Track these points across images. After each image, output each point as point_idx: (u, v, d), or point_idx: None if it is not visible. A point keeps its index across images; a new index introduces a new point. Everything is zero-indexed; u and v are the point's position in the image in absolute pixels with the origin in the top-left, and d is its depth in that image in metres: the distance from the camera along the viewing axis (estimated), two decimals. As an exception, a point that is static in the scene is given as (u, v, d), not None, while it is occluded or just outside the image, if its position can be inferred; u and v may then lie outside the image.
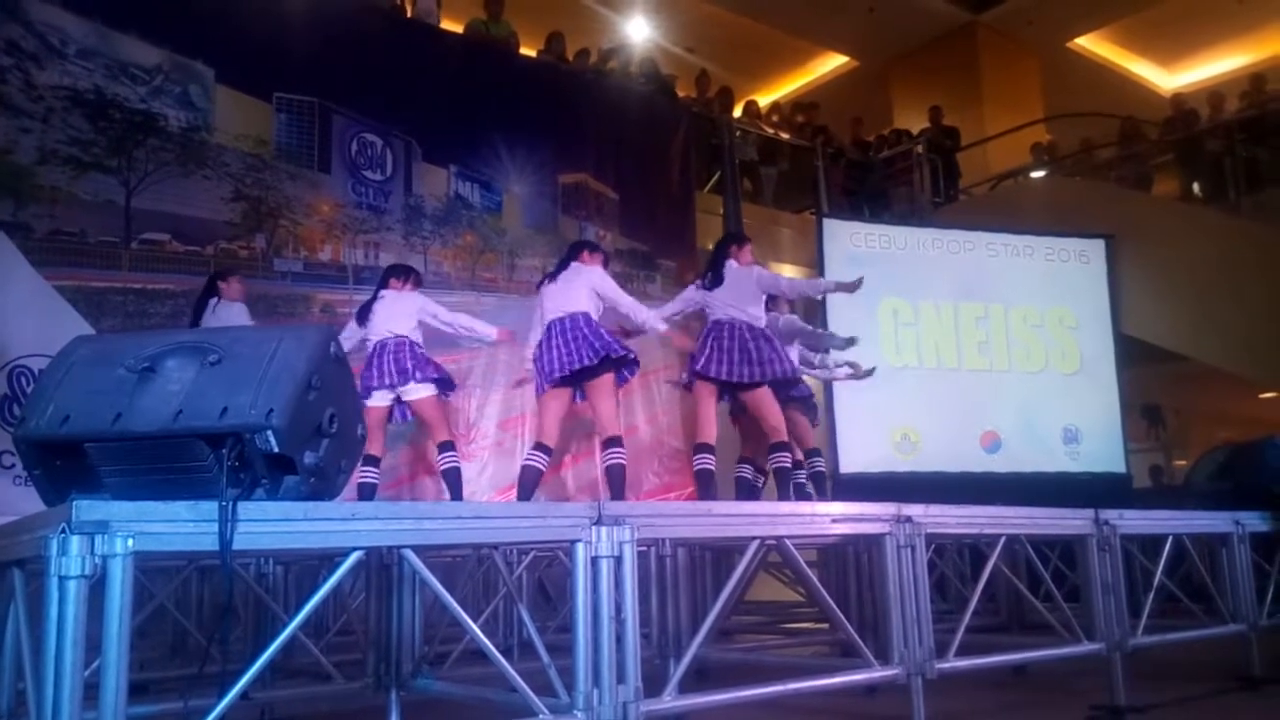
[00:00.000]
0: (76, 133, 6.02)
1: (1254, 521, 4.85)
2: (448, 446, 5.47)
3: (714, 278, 5.21)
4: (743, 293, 5.13)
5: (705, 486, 5.00)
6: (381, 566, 3.36)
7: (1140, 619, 4.22)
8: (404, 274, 5.72)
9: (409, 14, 8.29)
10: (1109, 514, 4.12)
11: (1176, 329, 9.34)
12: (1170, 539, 4.55)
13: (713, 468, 4.99)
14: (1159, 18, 12.89)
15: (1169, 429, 13.57)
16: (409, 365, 5.32)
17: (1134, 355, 9.46)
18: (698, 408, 5.14)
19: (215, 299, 5.53)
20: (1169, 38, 13.47)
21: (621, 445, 5.08)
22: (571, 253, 5.44)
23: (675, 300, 5.57)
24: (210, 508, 2.01)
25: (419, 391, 5.36)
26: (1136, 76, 14.41)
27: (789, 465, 5.18)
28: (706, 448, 5.03)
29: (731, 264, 5.24)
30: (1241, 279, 8.69)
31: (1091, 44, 13.77)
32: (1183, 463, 12.55)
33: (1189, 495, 7.44)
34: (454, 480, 5.44)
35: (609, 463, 5.03)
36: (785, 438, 5.14)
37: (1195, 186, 10.35)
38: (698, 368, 5.03)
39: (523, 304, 7.07)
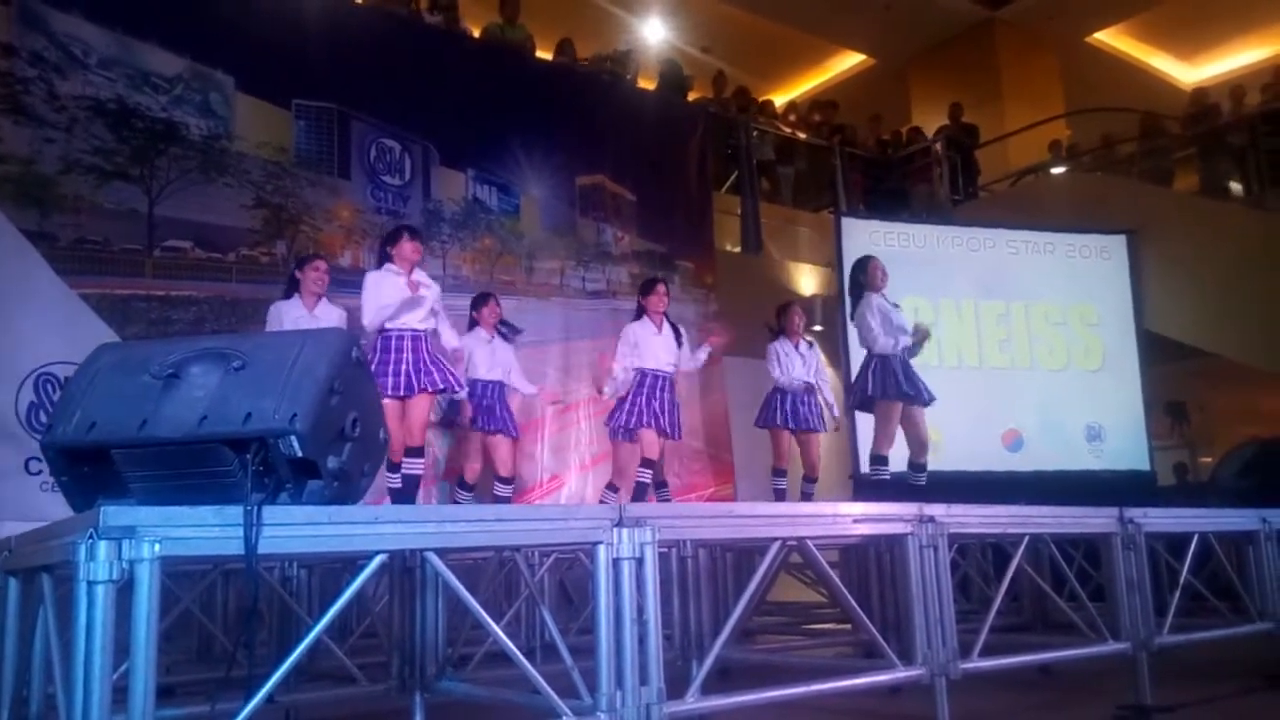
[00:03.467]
0: (99, 142, 6.08)
1: (1281, 518, 4.80)
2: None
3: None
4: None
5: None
6: (404, 569, 3.38)
7: (1166, 618, 4.18)
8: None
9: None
10: (1133, 512, 4.09)
11: (1200, 324, 9.25)
12: (1196, 537, 4.50)
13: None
14: (1178, 11, 12.78)
15: (1193, 426, 13.41)
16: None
17: (1157, 351, 9.39)
18: (889, 425, 5.64)
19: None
20: (1189, 31, 13.35)
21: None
22: (653, 290, 6.26)
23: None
24: (235, 512, 2.02)
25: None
26: (1156, 70, 14.29)
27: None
28: (883, 460, 5.70)
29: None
30: (1265, 273, 8.60)
31: (1111, 38, 13.67)
32: (1208, 460, 12.42)
33: (1214, 492, 7.40)
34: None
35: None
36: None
37: (1219, 181, 10.25)
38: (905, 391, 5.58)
39: (541, 307, 7.10)
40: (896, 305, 5.89)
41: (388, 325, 5.24)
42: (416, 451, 5.34)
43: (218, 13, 6.71)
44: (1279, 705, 4.26)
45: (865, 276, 5.85)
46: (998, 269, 9.14)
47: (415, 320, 5.30)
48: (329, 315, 5.59)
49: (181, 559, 2.14)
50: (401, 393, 5.18)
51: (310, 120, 7.01)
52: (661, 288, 6.31)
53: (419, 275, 5.36)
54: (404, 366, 5.21)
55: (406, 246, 5.37)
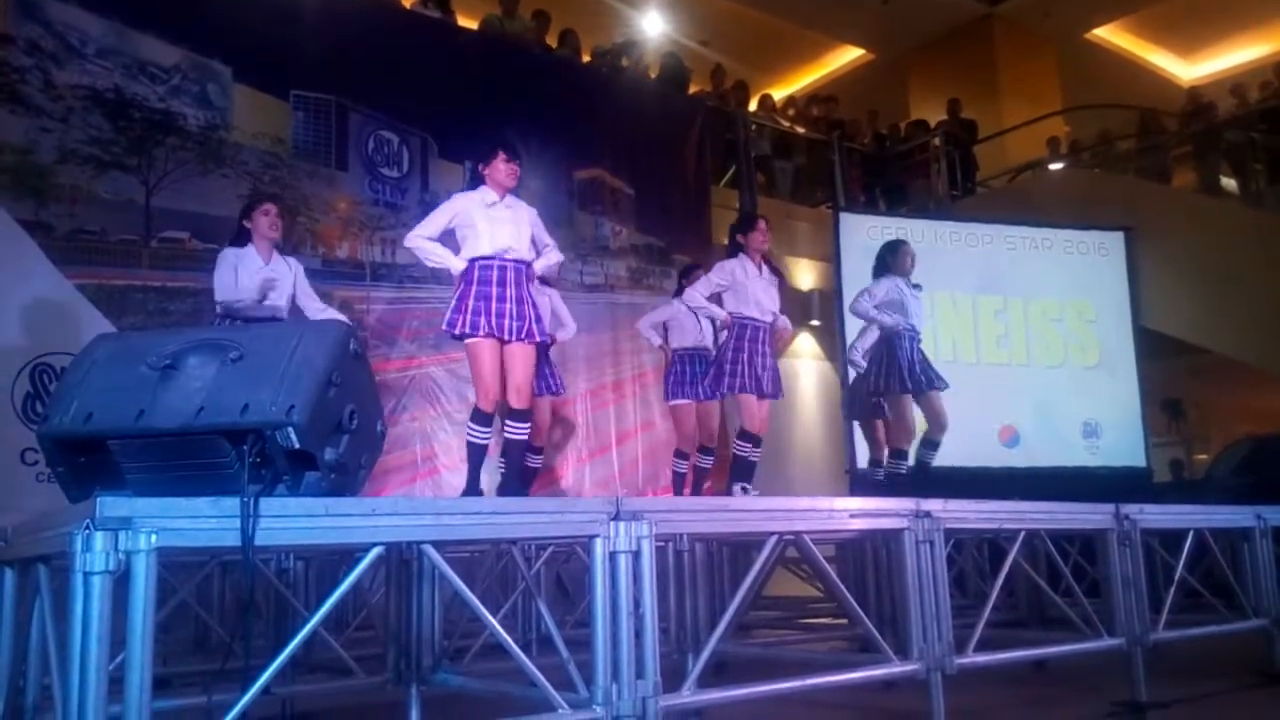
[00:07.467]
0: (96, 132, 6.06)
1: (1276, 515, 4.81)
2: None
3: None
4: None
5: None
6: (401, 562, 3.38)
7: (1161, 614, 4.20)
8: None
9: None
10: (1129, 508, 4.10)
11: (1197, 322, 9.26)
12: (1191, 533, 4.51)
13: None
14: (1177, 7, 12.78)
15: (1190, 423, 13.46)
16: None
17: (1154, 348, 9.39)
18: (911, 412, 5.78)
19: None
20: (1188, 27, 13.35)
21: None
22: (754, 226, 5.36)
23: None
24: (232, 504, 2.02)
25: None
26: (1155, 67, 14.29)
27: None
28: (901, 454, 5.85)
29: None
30: (1263, 271, 8.61)
31: (1109, 35, 13.66)
32: (1204, 457, 12.46)
33: (1210, 489, 7.40)
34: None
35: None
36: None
37: (1216, 178, 10.26)
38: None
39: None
40: (918, 287, 5.86)
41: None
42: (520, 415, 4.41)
43: (215, 3, 6.68)
44: (1274, 702, 4.27)
45: (894, 258, 5.74)
46: (995, 265, 9.13)
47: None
48: (286, 267, 4.94)
49: (178, 550, 2.13)
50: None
51: (308, 111, 6.99)
52: (763, 224, 5.36)
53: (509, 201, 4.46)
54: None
55: (501, 168, 4.42)
